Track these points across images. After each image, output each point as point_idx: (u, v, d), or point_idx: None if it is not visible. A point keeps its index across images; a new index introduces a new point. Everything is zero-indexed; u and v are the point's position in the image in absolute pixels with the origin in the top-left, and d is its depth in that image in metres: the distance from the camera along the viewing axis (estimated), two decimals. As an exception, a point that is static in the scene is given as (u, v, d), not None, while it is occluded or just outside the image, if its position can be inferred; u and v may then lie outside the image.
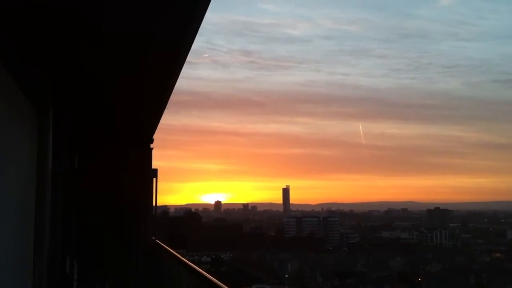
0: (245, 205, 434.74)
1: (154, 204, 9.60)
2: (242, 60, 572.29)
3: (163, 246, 8.41)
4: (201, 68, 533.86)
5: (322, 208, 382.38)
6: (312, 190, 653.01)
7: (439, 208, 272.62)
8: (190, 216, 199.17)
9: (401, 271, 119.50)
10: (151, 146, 9.82)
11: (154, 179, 9.52)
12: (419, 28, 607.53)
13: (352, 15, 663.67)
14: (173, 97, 7.19)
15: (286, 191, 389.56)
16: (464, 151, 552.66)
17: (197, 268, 5.25)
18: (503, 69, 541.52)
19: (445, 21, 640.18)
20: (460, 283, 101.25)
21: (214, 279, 4.41)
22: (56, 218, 7.66)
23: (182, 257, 6.60)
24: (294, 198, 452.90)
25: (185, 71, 5.97)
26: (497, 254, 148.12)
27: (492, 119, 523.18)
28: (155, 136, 9.83)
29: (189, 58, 5.37)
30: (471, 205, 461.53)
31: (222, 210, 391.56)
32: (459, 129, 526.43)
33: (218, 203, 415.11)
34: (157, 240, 9.24)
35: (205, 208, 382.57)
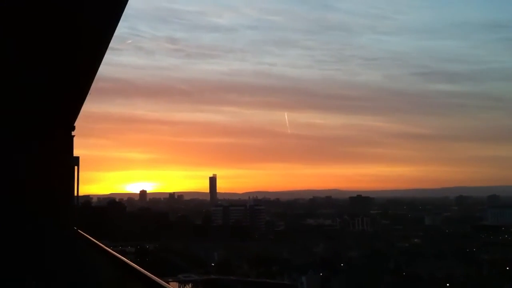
0: (171, 194, 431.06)
1: (75, 193, 9.30)
2: (167, 47, 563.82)
3: (85, 236, 8.16)
4: (125, 55, 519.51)
5: (249, 197, 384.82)
6: (239, 179, 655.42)
7: (361, 195, 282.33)
8: (113, 206, 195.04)
9: (324, 257, 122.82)
10: (73, 133, 9.48)
11: (76, 167, 9.21)
12: (341, 21, 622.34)
13: (277, 5, 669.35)
14: (95, 84, 6.98)
15: (212, 180, 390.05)
16: (383, 141, 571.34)
17: (122, 257, 5.12)
18: (419, 62, 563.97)
19: (365, 14, 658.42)
20: (380, 267, 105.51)
21: (139, 268, 4.31)
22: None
23: (106, 247, 6.42)
24: (221, 187, 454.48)
25: (108, 57, 5.79)
26: (415, 240, 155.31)
27: (410, 111, 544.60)
28: (76, 124, 9.50)
29: (112, 44, 5.20)
30: (390, 192, 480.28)
31: (147, 199, 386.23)
32: (379, 120, 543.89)
33: (143, 193, 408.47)
34: (79, 230, 8.95)
35: (130, 197, 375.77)
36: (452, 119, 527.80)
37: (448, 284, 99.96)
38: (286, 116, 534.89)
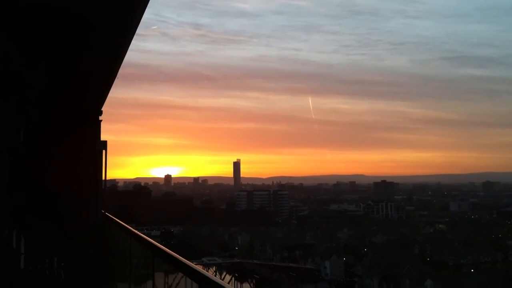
0: (196, 179, 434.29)
1: (103, 177, 9.45)
2: (192, 33, 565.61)
3: (114, 219, 8.31)
4: (150, 41, 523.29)
5: (273, 182, 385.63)
6: (263, 164, 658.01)
7: (385, 181, 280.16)
8: (139, 190, 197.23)
9: (348, 243, 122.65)
10: (100, 118, 9.63)
11: (104, 151, 9.35)
12: (369, 5, 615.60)
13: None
14: (121, 70, 7.08)
15: (237, 165, 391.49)
16: (411, 127, 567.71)
17: (149, 239, 5.24)
18: (449, 47, 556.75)
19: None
20: (405, 253, 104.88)
21: (167, 250, 4.42)
22: (3, 193, 7.46)
23: (133, 229, 6.55)
24: (245, 172, 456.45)
25: (134, 43, 5.87)
26: (440, 226, 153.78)
27: (438, 95, 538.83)
28: (103, 109, 9.64)
29: (137, 30, 5.27)
30: (416, 178, 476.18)
31: (172, 184, 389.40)
32: (406, 105, 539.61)
33: (168, 177, 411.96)
34: (106, 213, 9.12)
35: (155, 182, 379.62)
36: (480, 104, 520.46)
37: (472, 270, 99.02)
38: (310, 102, 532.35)
